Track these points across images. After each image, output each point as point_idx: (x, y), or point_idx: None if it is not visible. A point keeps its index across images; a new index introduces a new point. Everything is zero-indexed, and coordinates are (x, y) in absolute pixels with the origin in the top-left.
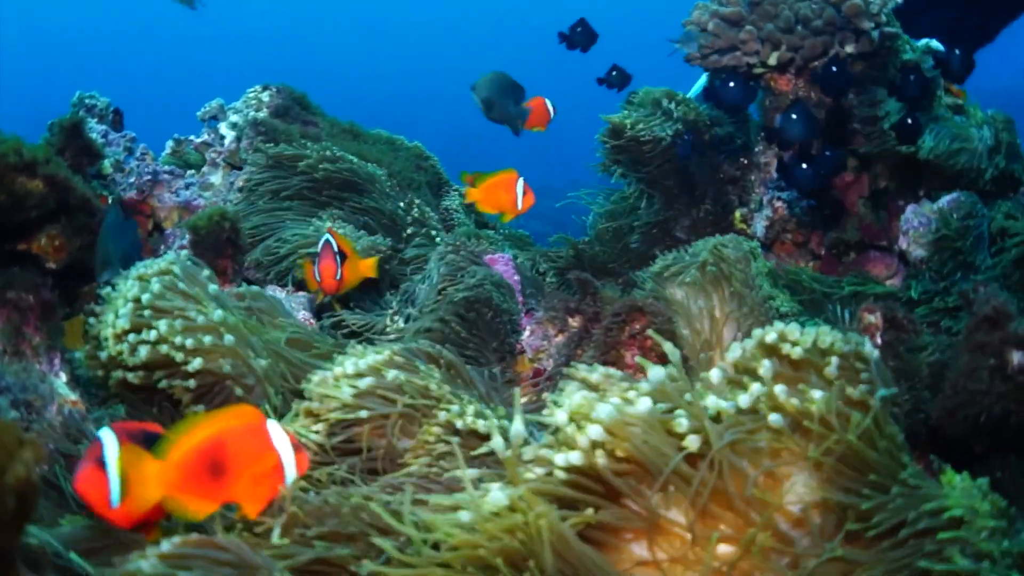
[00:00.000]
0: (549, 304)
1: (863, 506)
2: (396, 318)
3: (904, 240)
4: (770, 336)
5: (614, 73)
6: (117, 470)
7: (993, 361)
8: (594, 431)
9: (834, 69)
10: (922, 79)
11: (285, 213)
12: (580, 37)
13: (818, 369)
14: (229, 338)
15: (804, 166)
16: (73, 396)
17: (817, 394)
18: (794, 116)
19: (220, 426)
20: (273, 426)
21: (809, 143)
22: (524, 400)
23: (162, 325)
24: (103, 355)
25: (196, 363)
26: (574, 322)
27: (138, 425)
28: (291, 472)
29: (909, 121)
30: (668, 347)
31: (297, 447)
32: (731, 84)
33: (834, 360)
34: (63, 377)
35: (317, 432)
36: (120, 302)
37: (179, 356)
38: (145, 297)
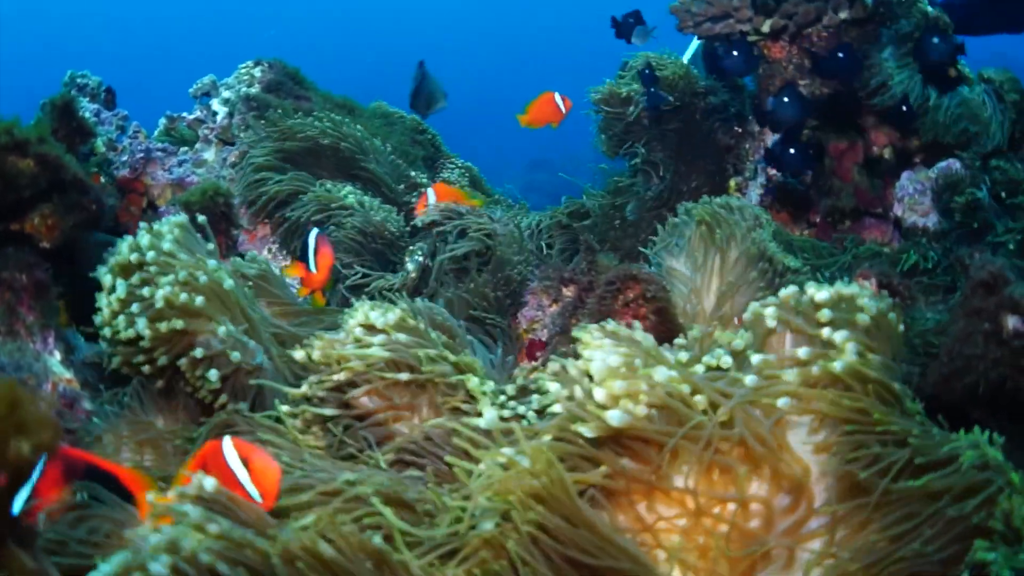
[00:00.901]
0: (543, 274)
1: (912, 441)
2: (410, 268)
3: (899, 207)
4: (817, 294)
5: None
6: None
7: (988, 326)
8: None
9: (841, 55)
10: (947, 43)
11: (286, 182)
12: (629, 29)
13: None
14: (230, 329)
15: (792, 151)
16: (68, 375)
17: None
18: (786, 99)
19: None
20: (228, 447)
21: (800, 125)
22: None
23: (165, 287)
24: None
25: (213, 375)
26: (568, 291)
27: (87, 457)
28: (249, 487)
29: (904, 109)
30: (638, 334)
31: (251, 461)
32: (734, 53)
33: (861, 316)
34: (57, 356)
35: (336, 380)
36: (125, 249)
37: (179, 324)
38: (150, 255)
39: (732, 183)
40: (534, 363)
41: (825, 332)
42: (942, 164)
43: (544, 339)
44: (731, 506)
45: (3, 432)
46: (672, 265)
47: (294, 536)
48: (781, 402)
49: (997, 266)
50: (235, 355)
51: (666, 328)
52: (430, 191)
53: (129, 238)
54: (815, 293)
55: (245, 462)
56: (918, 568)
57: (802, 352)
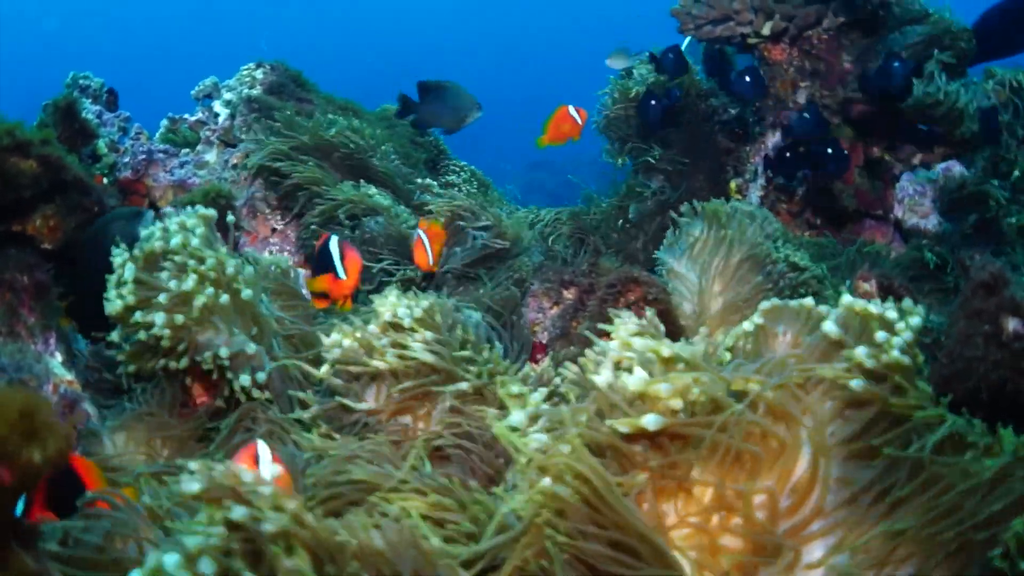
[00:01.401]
0: (544, 276)
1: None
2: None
3: (899, 208)
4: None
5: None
6: None
7: (988, 328)
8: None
9: (896, 64)
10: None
11: (307, 170)
12: (670, 64)
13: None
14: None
15: (829, 150)
16: (69, 376)
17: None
18: (807, 115)
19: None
20: (262, 447)
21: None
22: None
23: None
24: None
25: (245, 380)
26: (569, 294)
27: (79, 463)
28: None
29: (923, 128)
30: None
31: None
32: (746, 78)
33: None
34: (59, 357)
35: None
36: (156, 236)
37: (196, 315)
38: (175, 242)
39: (732, 185)
40: (535, 365)
41: (880, 336)
42: (943, 165)
43: (545, 341)
44: (760, 494)
45: (16, 439)
46: (674, 267)
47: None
48: (856, 382)
49: (997, 267)
50: (260, 376)
51: (668, 331)
52: (422, 234)
53: (158, 228)
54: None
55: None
56: (961, 543)
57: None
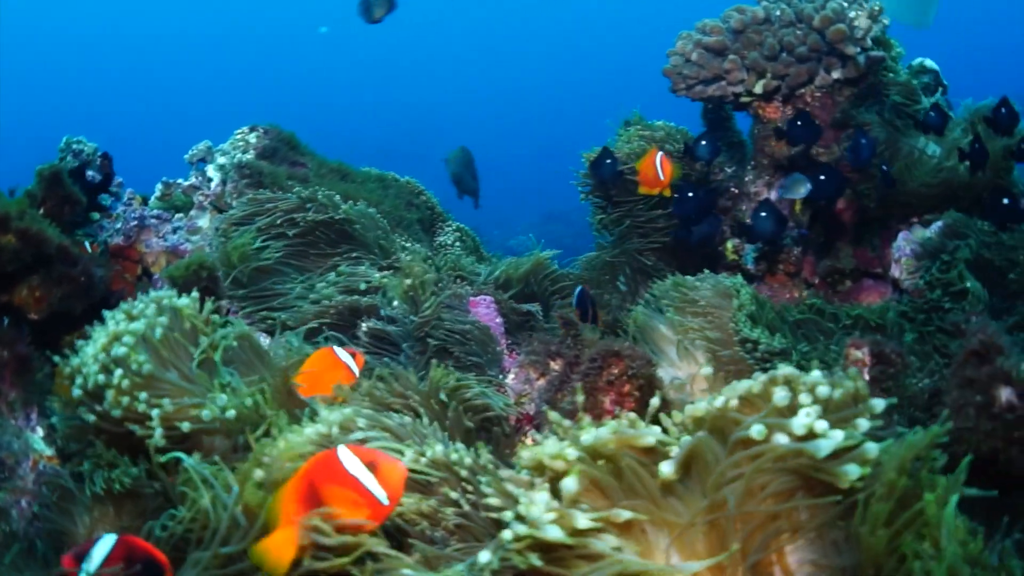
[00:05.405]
0: (530, 348)
1: None
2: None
3: (896, 268)
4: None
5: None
6: None
7: (980, 399)
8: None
9: (864, 141)
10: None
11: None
12: (704, 151)
13: None
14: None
15: (763, 214)
16: (49, 452)
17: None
18: (763, 214)
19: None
20: (346, 454)
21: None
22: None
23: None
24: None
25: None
26: (555, 365)
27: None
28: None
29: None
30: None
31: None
32: (762, 214)
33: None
34: (40, 432)
35: None
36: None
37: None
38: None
39: (729, 245)
40: (524, 439)
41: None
42: (936, 225)
43: (532, 413)
44: None
45: None
46: (662, 330)
47: None
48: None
49: (990, 334)
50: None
51: (647, 401)
52: None
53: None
54: None
55: (371, 466)
56: None
57: None
